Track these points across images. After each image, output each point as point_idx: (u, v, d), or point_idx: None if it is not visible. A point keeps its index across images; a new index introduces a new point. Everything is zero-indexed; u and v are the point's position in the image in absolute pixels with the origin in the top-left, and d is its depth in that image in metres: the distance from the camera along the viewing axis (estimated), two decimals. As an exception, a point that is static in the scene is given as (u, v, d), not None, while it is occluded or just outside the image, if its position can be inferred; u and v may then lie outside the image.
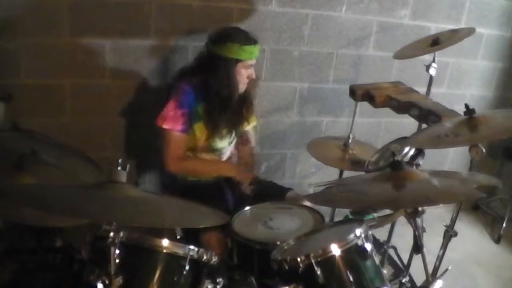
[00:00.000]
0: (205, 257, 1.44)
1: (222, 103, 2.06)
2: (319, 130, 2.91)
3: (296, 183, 2.95)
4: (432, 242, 1.90)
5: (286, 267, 1.42)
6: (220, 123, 2.09)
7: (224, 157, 2.27)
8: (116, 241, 1.21)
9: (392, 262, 2.51)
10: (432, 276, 1.44)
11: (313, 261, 1.38)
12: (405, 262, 2.36)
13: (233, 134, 2.22)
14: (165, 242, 1.39)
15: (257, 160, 2.35)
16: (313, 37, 2.66)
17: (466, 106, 1.61)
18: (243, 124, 2.27)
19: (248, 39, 2.02)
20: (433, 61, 2.29)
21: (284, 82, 2.72)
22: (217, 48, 2.02)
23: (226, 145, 2.22)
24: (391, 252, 2.50)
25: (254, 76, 2.12)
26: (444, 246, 1.91)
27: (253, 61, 2.08)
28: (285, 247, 1.59)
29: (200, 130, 2.11)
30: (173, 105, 2.02)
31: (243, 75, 2.07)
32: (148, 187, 2.64)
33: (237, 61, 2.02)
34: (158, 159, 2.14)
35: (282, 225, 1.83)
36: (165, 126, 2.02)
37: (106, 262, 1.22)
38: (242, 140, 2.31)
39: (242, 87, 2.11)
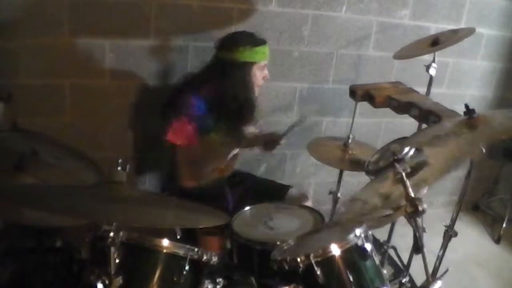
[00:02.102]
0: (205, 257, 1.44)
1: (239, 108, 2.04)
2: (319, 130, 2.91)
3: (296, 183, 2.94)
4: (432, 242, 1.90)
5: (286, 267, 1.42)
6: (235, 128, 2.09)
7: (230, 156, 2.27)
8: (116, 241, 1.21)
9: (392, 262, 2.51)
10: (432, 276, 1.43)
11: (313, 261, 1.38)
12: (405, 262, 2.36)
13: (242, 137, 2.22)
14: (165, 242, 1.39)
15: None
16: (313, 37, 2.65)
17: (466, 106, 1.61)
18: (250, 126, 2.27)
19: (258, 41, 2.04)
20: (433, 61, 2.28)
21: (284, 82, 2.72)
22: (230, 54, 2.01)
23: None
24: (391, 252, 2.51)
25: (268, 76, 2.13)
26: (444, 246, 1.91)
27: (266, 61, 2.09)
28: (285, 247, 1.59)
29: (212, 138, 2.09)
30: (184, 120, 2.00)
31: (259, 77, 2.08)
32: (148, 188, 2.64)
33: (252, 63, 2.03)
34: (167, 170, 2.14)
35: (282, 225, 1.83)
36: (179, 142, 2.01)
37: (106, 262, 1.23)
38: None
39: (257, 89, 2.12)
